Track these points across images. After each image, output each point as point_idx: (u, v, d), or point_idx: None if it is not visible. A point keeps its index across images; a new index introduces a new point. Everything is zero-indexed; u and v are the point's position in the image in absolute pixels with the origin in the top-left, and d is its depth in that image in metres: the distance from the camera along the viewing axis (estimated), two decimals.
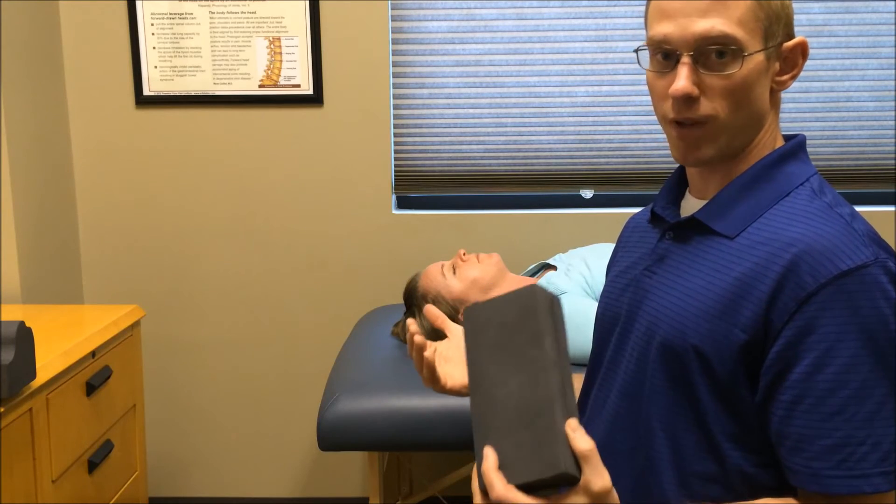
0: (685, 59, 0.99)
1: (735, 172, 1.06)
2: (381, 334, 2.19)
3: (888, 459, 0.92)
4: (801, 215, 1.00)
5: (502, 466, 0.88)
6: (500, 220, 2.54)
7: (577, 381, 1.27)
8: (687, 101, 1.00)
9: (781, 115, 2.70)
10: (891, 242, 2.46)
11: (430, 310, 1.27)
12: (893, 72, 2.45)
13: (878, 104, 2.48)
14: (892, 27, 2.43)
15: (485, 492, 0.89)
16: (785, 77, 1.05)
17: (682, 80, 0.99)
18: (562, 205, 2.57)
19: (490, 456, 0.88)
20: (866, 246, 0.95)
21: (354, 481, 2.66)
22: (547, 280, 2.09)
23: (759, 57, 1.00)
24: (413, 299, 2.16)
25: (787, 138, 1.10)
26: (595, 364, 1.19)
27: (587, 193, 2.55)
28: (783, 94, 2.63)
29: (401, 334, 2.14)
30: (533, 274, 2.28)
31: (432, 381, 1.22)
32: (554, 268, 2.21)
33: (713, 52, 0.98)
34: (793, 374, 0.94)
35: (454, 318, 2.10)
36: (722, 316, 0.98)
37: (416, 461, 2.58)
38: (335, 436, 1.81)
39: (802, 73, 2.43)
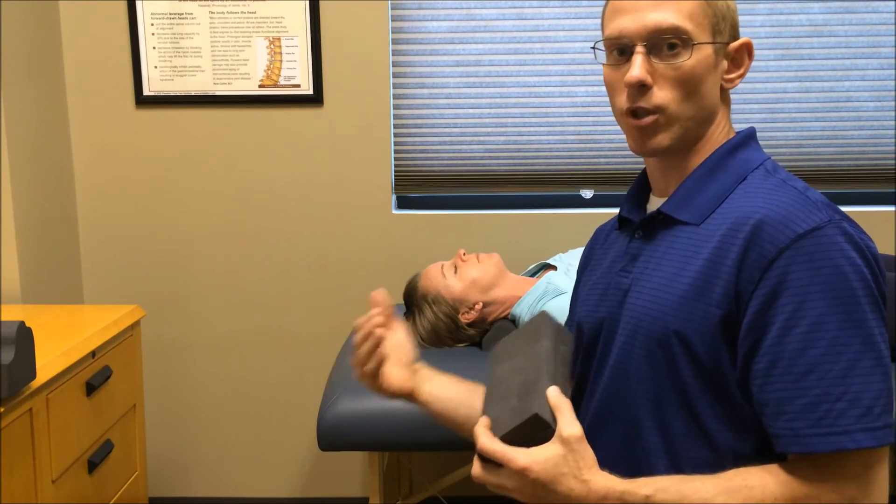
0: (639, 48, 1.05)
1: (692, 166, 1.11)
2: None
3: (869, 415, 0.93)
4: (757, 192, 1.05)
5: (492, 427, 0.99)
6: (500, 220, 2.54)
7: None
8: (640, 89, 1.06)
9: (782, 115, 2.70)
10: (891, 242, 2.48)
11: (379, 296, 1.25)
12: (893, 72, 2.45)
13: (878, 104, 2.48)
14: (892, 27, 2.43)
15: (478, 455, 0.98)
16: (733, 76, 1.11)
17: (637, 68, 1.05)
18: (562, 205, 2.56)
19: (483, 420, 1.00)
20: (820, 209, 0.99)
21: (354, 481, 2.66)
22: (547, 280, 2.09)
23: (708, 49, 1.06)
24: (413, 299, 2.16)
25: (739, 133, 1.15)
26: (583, 376, 1.20)
27: (587, 193, 2.55)
28: (785, 95, 2.64)
29: None
30: (533, 274, 2.28)
31: (373, 377, 1.25)
32: (554, 268, 2.21)
33: (665, 44, 1.05)
34: (766, 341, 0.97)
35: (454, 318, 2.10)
36: (698, 297, 1.02)
37: (416, 461, 2.58)
38: (335, 436, 1.81)
39: (803, 73, 2.46)
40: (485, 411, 1.04)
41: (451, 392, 1.28)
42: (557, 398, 0.97)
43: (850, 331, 0.95)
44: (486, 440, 0.97)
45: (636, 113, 1.08)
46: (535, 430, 0.96)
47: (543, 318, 1.12)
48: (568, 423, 0.96)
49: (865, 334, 0.95)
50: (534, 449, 0.95)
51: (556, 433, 0.95)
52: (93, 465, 1.85)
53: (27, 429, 1.59)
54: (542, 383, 0.99)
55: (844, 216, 1.01)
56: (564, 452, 0.95)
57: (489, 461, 0.98)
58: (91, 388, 1.83)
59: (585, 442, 0.97)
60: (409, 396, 1.27)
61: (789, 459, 0.98)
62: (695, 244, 1.05)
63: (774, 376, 0.96)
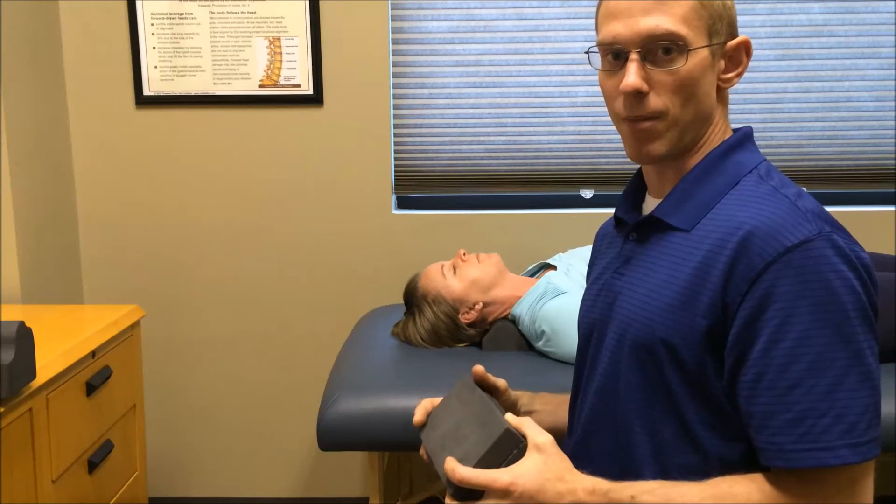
0: (633, 55, 1.03)
1: (688, 167, 1.10)
2: (381, 334, 2.19)
3: (854, 431, 0.93)
4: (749, 200, 1.03)
5: (462, 462, 0.99)
6: (500, 220, 2.54)
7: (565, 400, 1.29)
8: (637, 96, 1.04)
9: (782, 115, 2.70)
10: (891, 242, 2.47)
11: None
12: (893, 72, 2.45)
13: (878, 104, 2.48)
14: (892, 27, 2.43)
15: (452, 495, 0.98)
16: (730, 75, 1.09)
17: (632, 75, 1.03)
18: (562, 205, 2.56)
19: (450, 459, 1.00)
20: (810, 221, 0.97)
21: (354, 481, 2.66)
22: (547, 280, 2.09)
23: (704, 53, 1.04)
24: (413, 299, 2.15)
25: (736, 132, 1.14)
26: (578, 374, 1.22)
27: (587, 193, 2.55)
28: (785, 95, 2.64)
29: (400, 334, 2.14)
30: (533, 274, 2.27)
31: None
32: (554, 268, 2.21)
33: (660, 49, 1.03)
34: (752, 353, 0.97)
35: (454, 318, 2.10)
36: (685, 306, 1.01)
37: (416, 461, 2.58)
38: (335, 436, 1.81)
39: (803, 73, 2.46)
40: (443, 456, 1.03)
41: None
42: (517, 418, 1.01)
43: (838, 345, 0.94)
44: (463, 470, 0.97)
45: (633, 119, 1.07)
46: (508, 448, 0.97)
47: (467, 381, 1.17)
48: (537, 434, 0.98)
49: (854, 349, 0.94)
50: (513, 465, 0.97)
51: (530, 443, 0.97)
52: (93, 465, 1.85)
53: (27, 429, 1.59)
54: (496, 413, 1.02)
55: (836, 227, 0.99)
56: (544, 458, 0.96)
57: (466, 497, 0.98)
58: (91, 388, 1.83)
59: (558, 447, 0.98)
60: None
61: (774, 471, 0.98)
62: (685, 251, 1.04)
63: (760, 390, 0.96)
